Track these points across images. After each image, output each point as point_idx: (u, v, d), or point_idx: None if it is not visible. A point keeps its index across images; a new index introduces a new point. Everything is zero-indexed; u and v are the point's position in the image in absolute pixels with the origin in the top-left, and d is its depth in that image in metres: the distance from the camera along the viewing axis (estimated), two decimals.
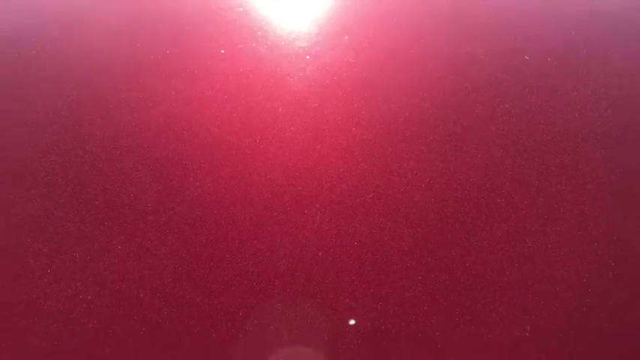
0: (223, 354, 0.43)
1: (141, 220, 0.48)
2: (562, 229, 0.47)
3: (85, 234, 0.46)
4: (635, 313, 0.46)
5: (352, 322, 0.44)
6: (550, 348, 0.44)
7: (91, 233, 0.46)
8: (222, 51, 0.64)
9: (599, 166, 0.52)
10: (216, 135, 0.54)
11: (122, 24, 0.67)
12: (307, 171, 0.52)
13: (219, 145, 0.54)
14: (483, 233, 0.47)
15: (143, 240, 0.46)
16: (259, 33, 0.67)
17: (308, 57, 0.64)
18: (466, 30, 0.68)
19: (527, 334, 0.44)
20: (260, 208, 0.49)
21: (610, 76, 0.62)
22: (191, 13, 0.69)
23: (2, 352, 0.41)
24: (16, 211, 0.49)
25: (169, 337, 0.44)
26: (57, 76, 0.61)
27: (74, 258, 0.46)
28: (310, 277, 0.44)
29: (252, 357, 0.43)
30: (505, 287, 0.46)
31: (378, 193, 0.50)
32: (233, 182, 0.51)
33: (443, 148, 0.53)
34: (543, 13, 0.72)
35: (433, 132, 0.55)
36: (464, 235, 0.47)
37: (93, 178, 0.51)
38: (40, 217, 0.49)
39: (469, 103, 0.58)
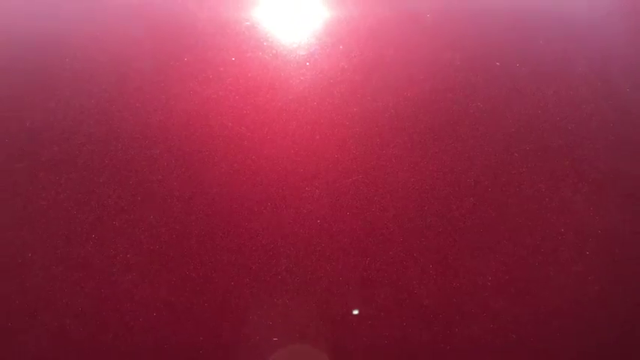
0: (240, 308, 0.52)
1: (168, 196, 0.56)
2: (521, 204, 0.56)
3: (122, 206, 0.55)
4: (598, 289, 0.54)
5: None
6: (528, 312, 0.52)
7: (127, 206, 0.55)
8: (233, 58, 0.74)
9: (555, 152, 0.61)
10: (229, 128, 0.64)
11: (146, 35, 0.76)
12: (307, 156, 0.61)
13: (232, 136, 0.63)
14: (454, 205, 0.56)
15: (169, 213, 0.55)
16: (265, 43, 0.77)
17: (307, 64, 0.74)
18: (445, 40, 0.77)
19: (511, 306, 0.53)
20: (268, 186, 0.58)
21: (570, 78, 0.72)
22: (205, 25, 0.79)
23: (65, 306, 0.49)
24: (62, 190, 0.58)
25: (202, 295, 0.52)
26: (90, 79, 0.70)
27: (114, 226, 0.54)
28: (310, 238, 0.53)
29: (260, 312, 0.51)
30: (485, 256, 0.55)
31: (367, 174, 0.59)
32: (245, 166, 0.60)
33: (422, 139, 0.62)
34: (513, 26, 0.82)
35: (414, 125, 0.64)
36: (438, 207, 0.56)
37: (125, 163, 0.60)
38: (82, 195, 0.57)
39: (446, 102, 0.68)
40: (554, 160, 0.60)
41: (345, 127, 0.65)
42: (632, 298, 0.53)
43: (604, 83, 0.73)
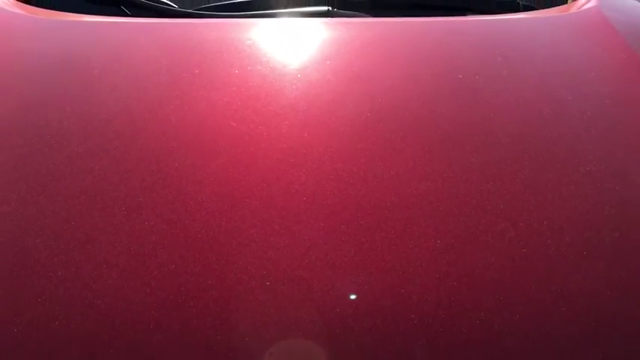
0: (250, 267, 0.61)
1: (184, 178, 0.68)
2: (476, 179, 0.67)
3: (144, 183, 0.67)
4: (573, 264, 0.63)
5: None
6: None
7: (152, 186, 0.66)
8: (237, 71, 0.87)
9: (505, 139, 0.73)
10: (234, 127, 0.77)
11: (163, 53, 0.90)
12: (297, 148, 0.73)
13: (238, 133, 0.76)
14: (439, 178, 0.67)
15: (179, 185, 0.66)
16: (264, 58, 0.91)
17: (299, 75, 0.88)
18: (422, 56, 0.92)
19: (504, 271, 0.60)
20: (265, 170, 0.70)
21: (520, 82, 0.85)
22: (213, 44, 0.93)
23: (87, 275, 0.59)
24: (92, 164, 0.69)
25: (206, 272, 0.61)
26: (116, 87, 0.84)
27: (136, 195, 0.66)
28: (311, 202, 0.63)
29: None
30: (472, 228, 0.64)
31: (357, 156, 0.71)
32: (245, 155, 0.72)
33: (398, 129, 0.75)
34: (477, 45, 0.96)
35: (388, 123, 0.77)
36: (423, 173, 0.68)
37: (148, 153, 0.72)
38: (112, 172, 0.69)
39: (419, 102, 0.81)
40: (502, 144, 0.72)
41: (330, 125, 0.78)
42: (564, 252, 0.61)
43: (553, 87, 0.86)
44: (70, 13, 1.03)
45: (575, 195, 0.68)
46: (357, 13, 1.05)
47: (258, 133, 0.74)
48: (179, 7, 1.07)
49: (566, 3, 1.23)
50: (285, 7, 1.07)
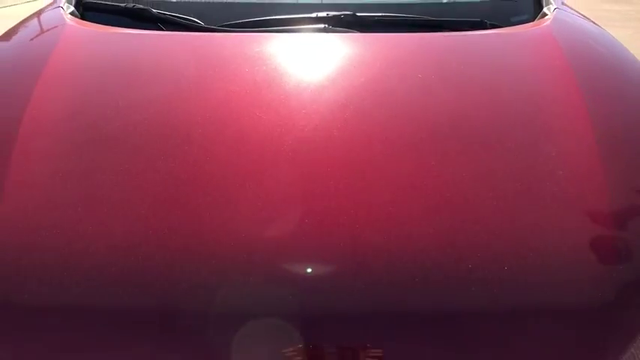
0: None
1: (217, 141, 0.87)
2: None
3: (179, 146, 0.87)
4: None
5: None
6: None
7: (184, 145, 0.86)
8: (247, 69, 1.11)
9: (462, 119, 0.94)
10: (250, 108, 0.95)
11: (191, 56, 1.15)
12: (309, 121, 0.91)
13: (255, 123, 0.96)
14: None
15: (198, 136, 0.89)
16: (271, 61, 1.12)
17: (300, 71, 1.11)
18: (403, 61, 1.14)
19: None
20: (272, 129, 0.89)
21: (476, 81, 1.07)
22: (230, 51, 1.18)
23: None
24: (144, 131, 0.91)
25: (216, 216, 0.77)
26: (155, 80, 1.08)
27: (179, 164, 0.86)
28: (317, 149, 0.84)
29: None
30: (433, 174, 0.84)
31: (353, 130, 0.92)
32: (257, 122, 0.92)
33: (388, 111, 0.96)
34: (448, 54, 1.19)
35: (375, 105, 0.97)
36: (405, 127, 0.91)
37: (185, 125, 0.92)
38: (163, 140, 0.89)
39: (399, 90, 1.01)
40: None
41: (326, 118, 0.98)
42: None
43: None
44: (119, 28, 1.29)
45: (513, 155, 0.90)
46: (345, 29, 1.29)
47: (263, 111, 0.97)
48: (204, 24, 1.32)
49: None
50: (289, 25, 1.32)
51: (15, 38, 1.31)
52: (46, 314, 0.71)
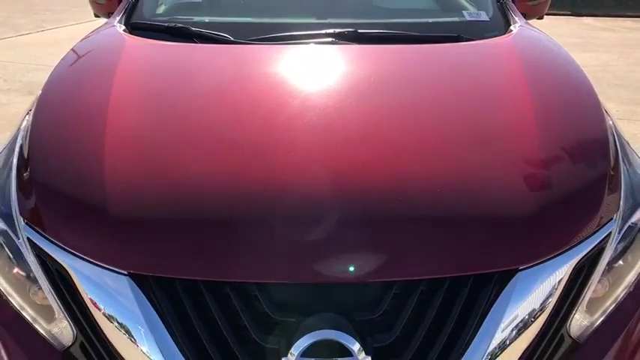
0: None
1: (256, 115, 1.19)
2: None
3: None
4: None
5: None
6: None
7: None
8: (265, 71, 1.42)
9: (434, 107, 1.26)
10: (277, 103, 1.27)
11: (226, 61, 1.47)
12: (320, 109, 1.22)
13: (283, 102, 1.26)
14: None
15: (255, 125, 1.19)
16: (289, 65, 1.45)
17: (310, 72, 1.42)
18: (393, 65, 1.45)
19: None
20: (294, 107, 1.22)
21: (445, 83, 1.39)
22: (254, 58, 1.49)
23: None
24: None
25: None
26: (196, 79, 1.38)
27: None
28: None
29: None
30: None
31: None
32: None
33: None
34: (428, 61, 1.51)
35: (369, 96, 1.27)
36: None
37: (230, 104, 1.25)
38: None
39: (387, 84, 1.33)
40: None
41: (338, 95, 1.28)
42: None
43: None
44: (163, 41, 1.61)
45: (472, 122, 1.20)
46: (349, 42, 1.60)
47: (295, 96, 1.27)
48: (233, 38, 1.63)
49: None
50: (305, 39, 1.63)
51: (87, 47, 1.64)
52: (165, 210, 1.00)
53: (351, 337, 0.86)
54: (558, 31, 8.70)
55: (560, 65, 1.53)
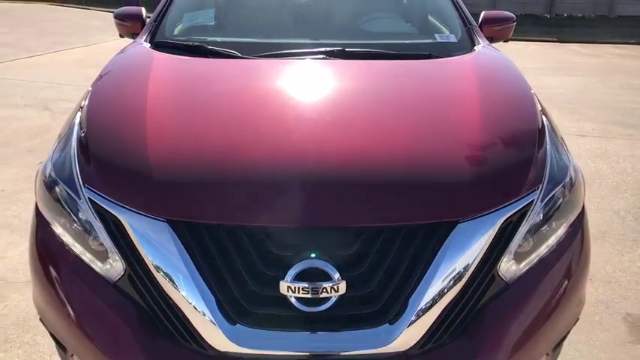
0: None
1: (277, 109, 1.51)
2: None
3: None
4: None
5: None
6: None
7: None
8: (269, 82, 1.74)
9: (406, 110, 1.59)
10: (278, 102, 1.62)
11: (239, 71, 1.80)
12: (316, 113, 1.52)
13: (281, 102, 1.61)
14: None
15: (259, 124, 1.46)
16: (292, 76, 1.76)
17: (307, 82, 1.76)
18: (377, 78, 1.78)
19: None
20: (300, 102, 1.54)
21: (413, 92, 1.74)
22: (262, 72, 1.84)
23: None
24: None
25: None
26: (214, 85, 1.72)
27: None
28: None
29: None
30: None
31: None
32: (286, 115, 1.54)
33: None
34: (404, 72, 1.85)
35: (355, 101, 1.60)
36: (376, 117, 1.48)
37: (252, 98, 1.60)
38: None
39: (370, 92, 1.66)
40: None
41: (330, 103, 1.56)
42: None
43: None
44: (182, 56, 1.95)
45: (429, 119, 1.51)
46: (338, 58, 1.93)
47: (293, 98, 1.60)
48: (241, 55, 1.96)
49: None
50: (301, 55, 1.96)
51: (125, 57, 1.98)
52: (194, 173, 1.31)
53: (331, 267, 1.16)
54: (544, 57, 9.20)
55: (507, 75, 1.87)
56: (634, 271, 2.65)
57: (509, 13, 2.58)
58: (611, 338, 2.16)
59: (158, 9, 2.33)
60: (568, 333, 1.47)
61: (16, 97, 5.74)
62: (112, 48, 9.03)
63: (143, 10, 2.48)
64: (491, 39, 2.47)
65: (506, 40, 2.60)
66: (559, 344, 1.44)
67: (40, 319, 1.47)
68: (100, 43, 9.91)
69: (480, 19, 2.47)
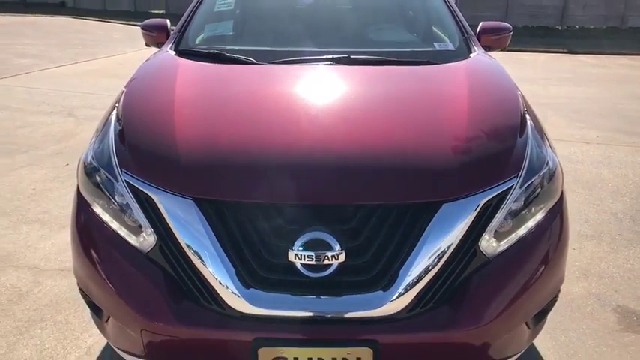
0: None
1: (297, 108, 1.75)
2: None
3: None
4: None
5: None
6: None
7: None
8: (281, 85, 1.95)
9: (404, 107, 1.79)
10: (290, 101, 1.82)
11: (256, 76, 2.00)
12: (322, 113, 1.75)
13: (292, 101, 1.80)
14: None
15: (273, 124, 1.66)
16: (305, 79, 1.96)
17: (318, 84, 1.96)
18: (381, 81, 1.96)
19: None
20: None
21: (411, 92, 1.93)
22: (276, 76, 2.04)
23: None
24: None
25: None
26: (234, 86, 1.94)
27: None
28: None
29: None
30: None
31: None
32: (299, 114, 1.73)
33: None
34: (402, 76, 2.05)
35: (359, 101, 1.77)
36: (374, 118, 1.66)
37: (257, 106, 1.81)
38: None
39: (374, 96, 1.85)
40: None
41: (336, 102, 1.75)
42: None
43: None
44: (204, 62, 2.17)
45: (424, 116, 1.69)
46: (343, 64, 2.13)
47: (304, 98, 1.79)
48: (256, 61, 2.18)
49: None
50: (310, 62, 2.16)
51: (154, 63, 2.21)
52: (216, 157, 1.50)
53: (333, 238, 1.34)
54: (553, 67, 9.33)
55: (496, 78, 2.05)
56: (627, 268, 2.78)
57: (505, 23, 2.77)
58: (600, 327, 2.30)
59: (182, 21, 2.57)
60: (550, 308, 1.64)
61: (43, 104, 6.05)
62: (132, 59, 9.46)
63: (168, 21, 2.72)
64: (490, 48, 2.66)
65: (503, 49, 2.78)
66: (541, 318, 1.61)
67: (80, 290, 1.68)
68: (120, 55, 10.29)
69: (478, 30, 2.67)
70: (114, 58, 9.81)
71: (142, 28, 2.74)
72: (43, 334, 2.25)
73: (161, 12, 18.77)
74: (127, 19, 16.56)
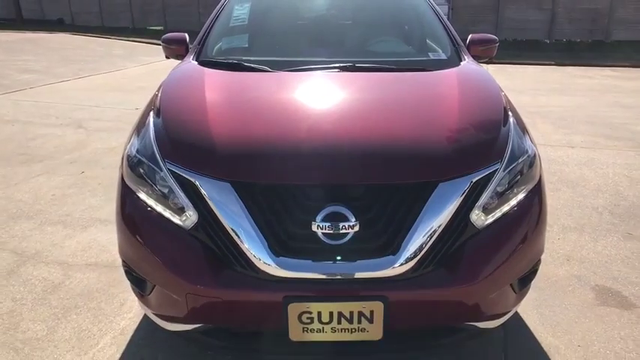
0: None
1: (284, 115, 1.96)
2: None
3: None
4: None
5: None
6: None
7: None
8: (294, 88, 2.23)
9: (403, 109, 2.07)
10: (304, 102, 2.09)
11: (272, 82, 2.26)
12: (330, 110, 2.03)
13: (305, 102, 2.07)
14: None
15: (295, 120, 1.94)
16: (314, 84, 2.26)
17: (324, 85, 2.24)
18: (379, 85, 2.23)
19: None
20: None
21: (407, 95, 2.21)
22: (291, 82, 2.32)
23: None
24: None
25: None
26: (250, 91, 2.20)
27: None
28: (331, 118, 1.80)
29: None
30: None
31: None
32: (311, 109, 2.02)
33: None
34: (401, 81, 2.34)
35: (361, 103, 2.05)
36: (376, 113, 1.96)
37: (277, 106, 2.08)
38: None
39: (373, 97, 2.13)
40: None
41: (341, 101, 2.02)
42: None
43: None
44: (225, 71, 2.44)
45: (420, 113, 1.96)
46: (350, 71, 2.41)
47: (315, 99, 2.06)
48: (271, 69, 2.45)
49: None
50: (320, 69, 2.44)
51: (181, 71, 2.47)
52: (247, 145, 1.75)
53: (349, 211, 1.59)
54: (542, 79, 9.71)
55: (482, 82, 2.34)
56: (605, 254, 3.06)
57: (492, 35, 3.07)
58: (580, 302, 2.57)
59: (200, 35, 2.85)
60: (533, 276, 1.90)
61: (51, 117, 6.29)
62: (134, 74, 9.78)
63: (186, 35, 3.00)
64: (478, 57, 2.96)
65: (490, 59, 3.09)
66: (526, 284, 1.88)
67: (125, 269, 1.92)
68: (121, 70, 10.58)
69: (468, 41, 2.97)
70: (116, 73, 10.09)
71: (163, 42, 3.01)
72: (78, 319, 2.47)
73: (160, 28, 19.09)
74: (126, 35, 16.89)
